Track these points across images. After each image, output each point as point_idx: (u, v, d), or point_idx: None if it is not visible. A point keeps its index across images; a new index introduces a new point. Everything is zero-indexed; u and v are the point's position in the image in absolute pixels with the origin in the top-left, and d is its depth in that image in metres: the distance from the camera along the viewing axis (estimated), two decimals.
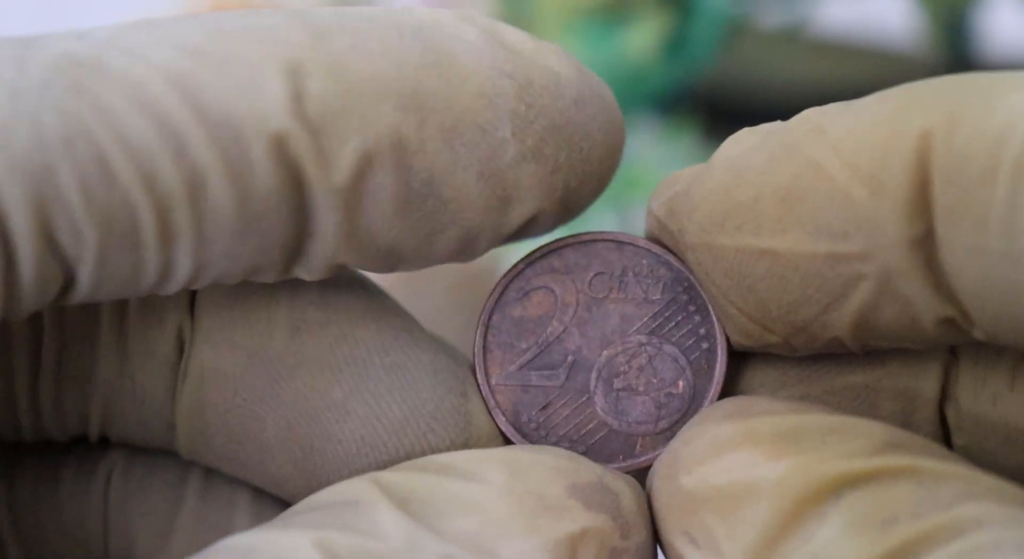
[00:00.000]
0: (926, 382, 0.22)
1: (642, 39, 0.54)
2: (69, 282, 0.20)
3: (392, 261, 0.22)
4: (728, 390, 0.23)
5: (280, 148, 0.20)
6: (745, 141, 0.22)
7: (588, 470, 0.21)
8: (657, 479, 0.21)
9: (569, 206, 0.22)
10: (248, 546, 0.19)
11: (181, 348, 0.23)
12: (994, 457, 0.22)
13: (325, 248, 0.21)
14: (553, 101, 0.22)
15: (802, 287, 0.20)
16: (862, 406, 0.23)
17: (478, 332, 0.23)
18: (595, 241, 0.24)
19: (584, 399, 0.23)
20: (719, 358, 0.23)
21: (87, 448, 0.25)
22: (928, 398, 0.22)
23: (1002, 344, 0.20)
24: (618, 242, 0.23)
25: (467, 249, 0.22)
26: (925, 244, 0.19)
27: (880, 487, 0.19)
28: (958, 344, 0.22)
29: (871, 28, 0.61)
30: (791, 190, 0.20)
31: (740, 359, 0.23)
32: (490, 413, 0.23)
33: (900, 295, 0.20)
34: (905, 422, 0.22)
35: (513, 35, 0.22)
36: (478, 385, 0.23)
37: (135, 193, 0.19)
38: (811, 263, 0.20)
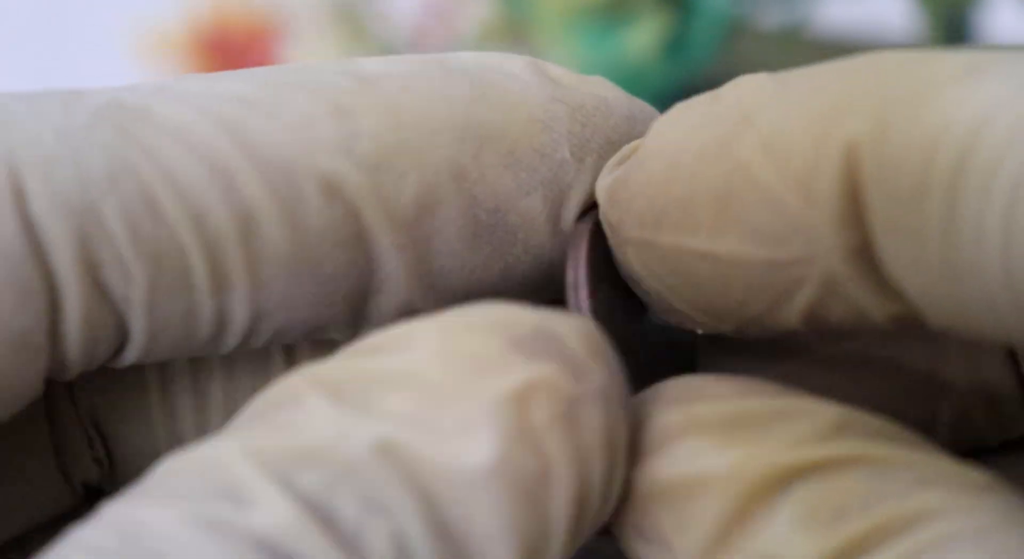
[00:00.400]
0: None
1: (642, 39, 0.54)
2: (122, 333, 0.20)
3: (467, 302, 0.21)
4: (781, 340, 0.22)
5: (333, 188, 0.20)
6: (679, 122, 0.21)
7: (526, 319, 0.19)
8: None
9: None
10: (176, 469, 0.18)
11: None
12: None
13: (397, 294, 0.21)
14: (605, 120, 0.22)
15: (746, 289, 0.20)
16: (929, 341, 0.22)
17: None
18: None
19: None
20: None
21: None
22: None
23: (960, 336, 0.19)
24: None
25: (543, 280, 0.22)
26: (864, 253, 0.19)
27: (830, 477, 0.18)
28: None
29: (871, 28, 0.61)
30: (723, 192, 0.20)
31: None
32: None
33: (846, 296, 0.19)
34: (972, 351, 0.22)
35: (556, 70, 0.22)
36: None
37: (183, 231, 0.19)
38: (752, 267, 0.20)
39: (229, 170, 0.20)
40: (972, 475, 0.18)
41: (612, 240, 0.22)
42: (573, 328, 0.19)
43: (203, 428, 0.23)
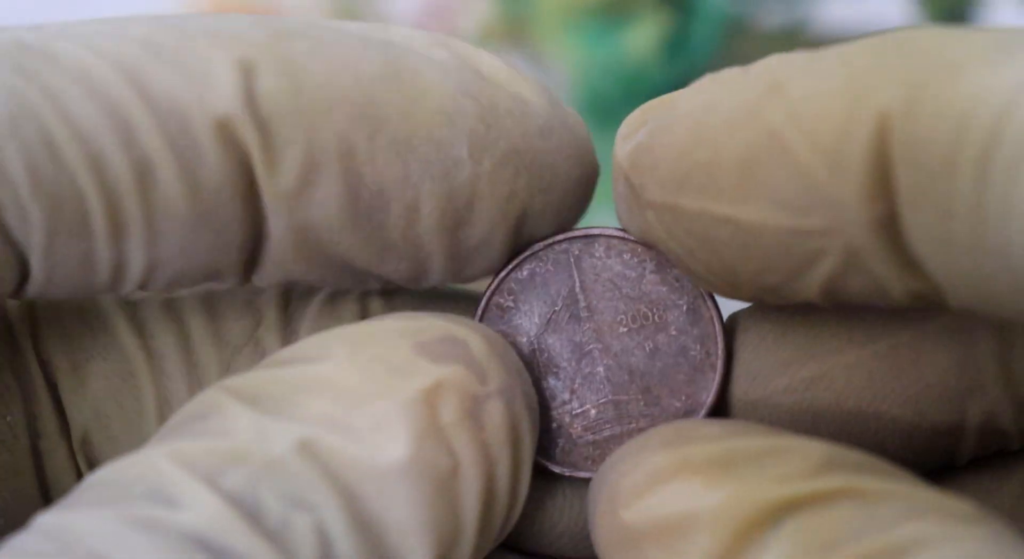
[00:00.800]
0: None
1: (642, 39, 0.54)
2: (23, 272, 0.20)
3: (346, 277, 0.22)
4: (804, 343, 0.22)
5: (227, 138, 0.20)
6: (706, 90, 0.21)
7: (431, 326, 0.20)
8: (597, 515, 0.21)
9: (523, 235, 0.22)
10: (103, 479, 0.18)
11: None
12: None
13: (276, 253, 0.21)
14: (516, 126, 0.21)
15: (766, 257, 0.20)
16: (959, 345, 0.22)
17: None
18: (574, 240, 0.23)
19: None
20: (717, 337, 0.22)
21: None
22: (1022, 329, 0.21)
23: (979, 316, 0.19)
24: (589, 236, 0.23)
25: (421, 271, 0.22)
26: (889, 226, 0.18)
27: (820, 511, 0.18)
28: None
29: (871, 28, 0.61)
30: (749, 158, 0.19)
31: (813, 314, 0.22)
32: None
33: (866, 269, 0.19)
34: (1003, 355, 0.22)
35: (489, 62, 0.22)
36: None
37: (83, 176, 0.19)
38: (774, 235, 0.19)
39: (128, 116, 0.19)
40: (959, 506, 0.18)
41: (633, 203, 0.22)
42: (476, 333, 0.21)
43: None
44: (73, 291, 0.21)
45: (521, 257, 0.23)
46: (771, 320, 0.23)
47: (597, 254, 0.23)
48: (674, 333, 0.23)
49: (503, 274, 0.23)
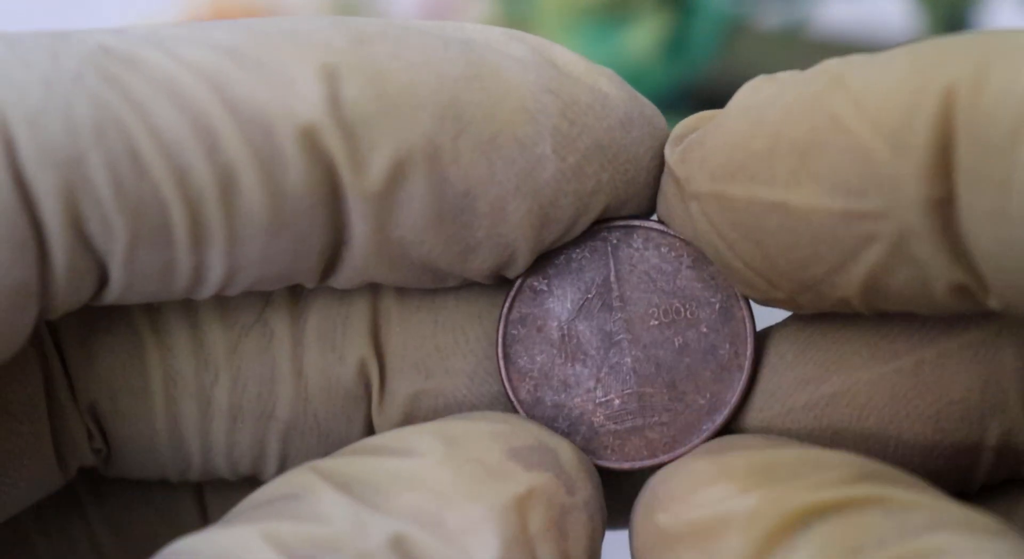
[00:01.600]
0: None
1: (642, 39, 0.54)
2: (102, 279, 0.20)
3: (427, 278, 0.22)
4: (829, 358, 0.22)
5: (312, 146, 0.20)
6: (762, 89, 0.21)
7: (524, 431, 0.21)
8: (636, 518, 0.21)
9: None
10: (192, 548, 0.19)
11: (366, 383, 0.23)
12: None
13: (357, 258, 0.21)
14: (598, 121, 0.21)
15: (813, 244, 0.20)
16: (983, 363, 0.22)
17: (499, 332, 0.23)
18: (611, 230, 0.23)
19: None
20: (748, 334, 0.22)
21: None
22: None
23: (1017, 313, 0.19)
24: (630, 226, 0.23)
25: (504, 267, 0.22)
26: (945, 207, 0.19)
27: (848, 517, 0.19)
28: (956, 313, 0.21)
29: (871, 28, 0.61)
30: (809, 143, 0.20)
31: (841, 329, 0.23)
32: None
33: (914, 258, 0.19)
34: None
35: (564, 56, 0.22)
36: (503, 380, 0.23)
37: (166, 187, 0.19)
38: (824, 219, 0.20)
39: (212, 126, 0.19)
40: (983, 520, 0.19)
41: (675, 198, 0.22)
42: (565, 445, 0.21)
43: (206, 428, 0.23)
44: (151, 297, 0.21)
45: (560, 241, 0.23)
46: (791, 339, 0.23)
47: (635, 245, 0.23)
48: (704, 330, 0.23)
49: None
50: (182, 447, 0.23)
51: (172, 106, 0.19)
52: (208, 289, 0.21)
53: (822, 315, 0.23)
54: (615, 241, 0.23)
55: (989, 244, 0.18)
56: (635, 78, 0.54)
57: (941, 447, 0.22)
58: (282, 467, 0.23)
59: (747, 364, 0.22)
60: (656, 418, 0.23)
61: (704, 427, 0.22)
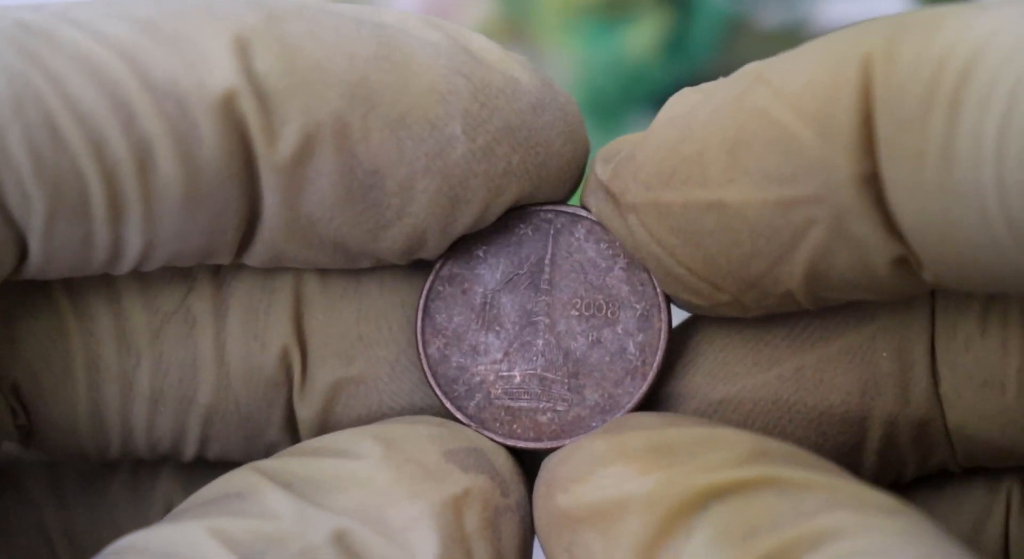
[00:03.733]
0: (916, 334, 0.22)
1: (642, 38, 0.54)
2: (22, 252, 0.20)
3: (339, 256, 0.22)
4: (715, 367, 0.23)
5: (227, 117, 0.20)
6: (687, 99, 0.21)
7: (460, 435, 0.22)
8: (537, 498, 0.21)
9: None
10: (141, 545, 0.19)
11: (287, 369, 0.23)
12: (974, 403, 0.22)
13: (269, 233, 0.21)
14: (509, 104, 0.21)
15: (752, 238, 0.20)
16: (861, 367, 0.22)
17: (418, 312, 0.23)
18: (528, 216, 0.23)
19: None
20: (662, 331, 0.23)
21: (136, 477, 0.25)
22: (921, 350, 0.22)
23: (947, 287, 0.20)
24: (556, 212, 0.23)
25: (415, 248, 0.22)
26: (875, 182, 0.19)
27: (744, 499, 0.19)
28: (905, 297, 0.22)
29: None
30: (737, 139, 0.20)
31: (726, 337, 0.23)
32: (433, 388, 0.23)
33: (852, 237, 0.19)
34: (903, 377, 0.22)
35: (479, 43, 0.22)
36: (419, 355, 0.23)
37: (84, 160, 0.19)
38: (761, 211, 0.20)
39: (128, 100, 0.20)
40: (879, 498, 0.19)
41: (612, 213, 0.22)
42: (497, 449, 0.22)
43: (127, 411, 0.23)
44: (70, 271, 0.21)
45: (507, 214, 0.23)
46: (680, 349, 0.23)
47: (577, 234, 0.23)
48: (620, 332, 0.23)
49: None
50: (103, 428, 0.23)
51: (89, 81, 0.19)
52: (126, 263, 0.21)
53: (708, 323, 0.23)
54: (559, 226, 0.23)
55: (912, 217, 0.19)
56: (635, 77, 0.54)
57: (824, 450, 0.23)
58: (201, 449, 0.24)
59: (651, 374, 0.23)
60: (550, 404, 0.23)
61: (593, 424, 0.23)
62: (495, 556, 0.20)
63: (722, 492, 0.19)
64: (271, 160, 0.20)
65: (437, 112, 0.21)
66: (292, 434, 0.24)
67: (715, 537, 0.18)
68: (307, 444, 0.21)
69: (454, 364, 0.23)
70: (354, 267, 0.23)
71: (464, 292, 0.23)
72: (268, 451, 0.23)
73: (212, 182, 0.20)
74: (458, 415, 0.23)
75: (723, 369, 0.23)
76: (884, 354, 0.22)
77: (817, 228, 0.19)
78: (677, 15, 0.55)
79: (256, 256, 0.22)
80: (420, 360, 0.23)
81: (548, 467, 0.21)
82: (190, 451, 0.24)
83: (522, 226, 0.23)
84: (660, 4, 0.55)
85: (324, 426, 0.23)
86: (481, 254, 0.23)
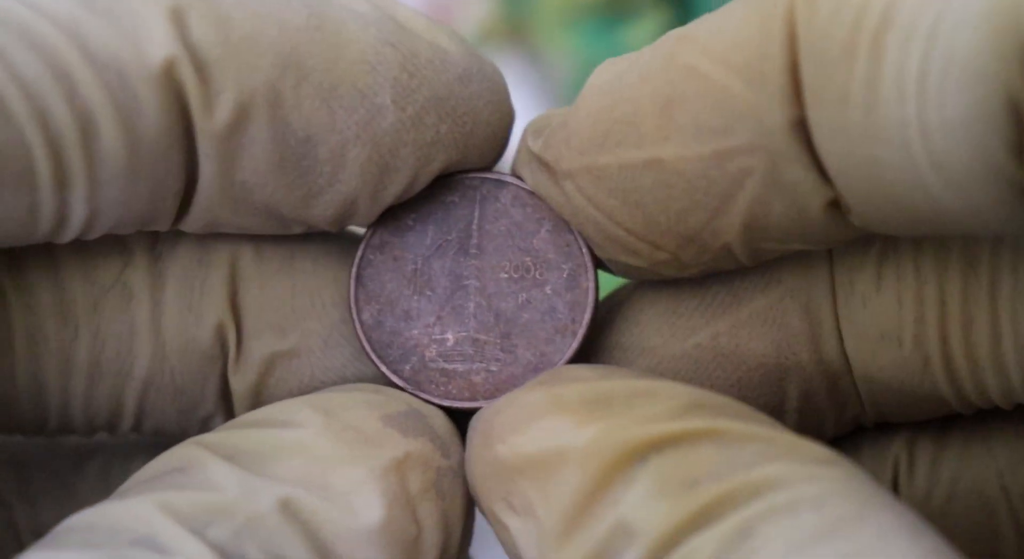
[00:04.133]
0: (821, 292, 0.23)
1: (642, 37, 0.54)
2: None
3: (271, 223, 0.22)
4: (634, 340, 0.23)
5: (166, 89, 0.20)
6: (611, 68, 0.22)
7: (398, 400, 0.22)
8: (473, 448, 0.21)
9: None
10: (87, 523, 0.19)
11: (222, 343, 0.23)
12: (874, 357, 0.23)
13: (205, 199, 0.21)
14: (437, 74, 0.22)
15: (689, 193, 0.20)
16: (774, 328, 0.23)
17: (351, 276, 0.23)
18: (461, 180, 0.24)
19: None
20: (590, 291, 0.23)
21: (107, 475, 0.25)
22: (826, 308, 0.23)
23: (874, 229, 0.20)
24: (483, 178, 0.24)
25: (346, 215, 0.22)
26: (803, 127, 0.19)
27: (683, 450, 0.19)
28: (837, 244, 0.22)
29: None
30: (669, 97, 0.20)
31: (640, 312, 0.23)
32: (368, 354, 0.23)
33: (786, 183, 0.20)
34: (813, 334, 0.23)
35: (406, 13, 0.22)
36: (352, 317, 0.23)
37: (29, 131, 0.20)
38: (697, 165, 0.20)
39: (70, 72, 0.20)
40: (815, 449, 0.19)
41: (548, 181, 0.23)
42: (435, 411, 0.22)
43: (65, 384, 0.23)
44: (15, 240, 0.21)
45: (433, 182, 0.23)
46: (602, 326, 0.24)
47: (503, 199, 0.23)
48: (548, 292, 0.23)
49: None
50: (41, 401, 0.23)
51: (31, 52, 0.20)
52: (71, 231, 0.21)
53: (623, 299, 0.24)
54: (484, 193, 0.23)
55: (838, 160, 0.19)
56: None
57: None
58: (137, 422, 0.24)
59: (581, 331, 0.23)
60: (484, 364, 0.23)
61: (526, 382, 0.23)
62: (440, 517, 0.21)
63: (661, 444, 0.19)
64: (207, 128, 0.21)
65: (367, 81, 0.21)
66: (226, 407, 0.24)
67: (655, 488, 0.19)
68: (247, 416, 0.22)
69: (388, 329, 0.23)
70: (287, 232, 0.23)
71: (395, 259, 0.23)
72: (203, 425, 0.24)
73: (153, 150, 0.20)
74: (394, 379, 0.23)
75: (641, 343, 0.23)
76: (795, 315, 0.23)
77: (753, 177, 0.20)
78: (677, 14, 0.55)
79: (192, 222, 0.22)
80: (354, 326, 0.23)
81: (483, 418, 0.21)
82: (126, 424, 0.24)
83: (449, 194, 0.23)
84: (660, 4, 0.55)
85: (258, 399, 0.24)
86: (411, 222, 0.23)
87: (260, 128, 0.21)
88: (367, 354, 0.23)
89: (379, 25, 0.22)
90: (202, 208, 0.22)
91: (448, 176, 0.23)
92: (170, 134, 0.20)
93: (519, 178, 0.23)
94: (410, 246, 0.23)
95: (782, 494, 0.18)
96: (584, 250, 0.23)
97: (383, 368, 0.23)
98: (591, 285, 0.23)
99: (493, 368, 0.23)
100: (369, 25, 0.22)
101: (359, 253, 0.23)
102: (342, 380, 0.23)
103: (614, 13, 0.55)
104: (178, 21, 0.20)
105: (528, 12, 0.56)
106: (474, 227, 0.23)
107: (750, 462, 0.18)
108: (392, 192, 0.22)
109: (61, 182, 0.20)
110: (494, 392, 0.23)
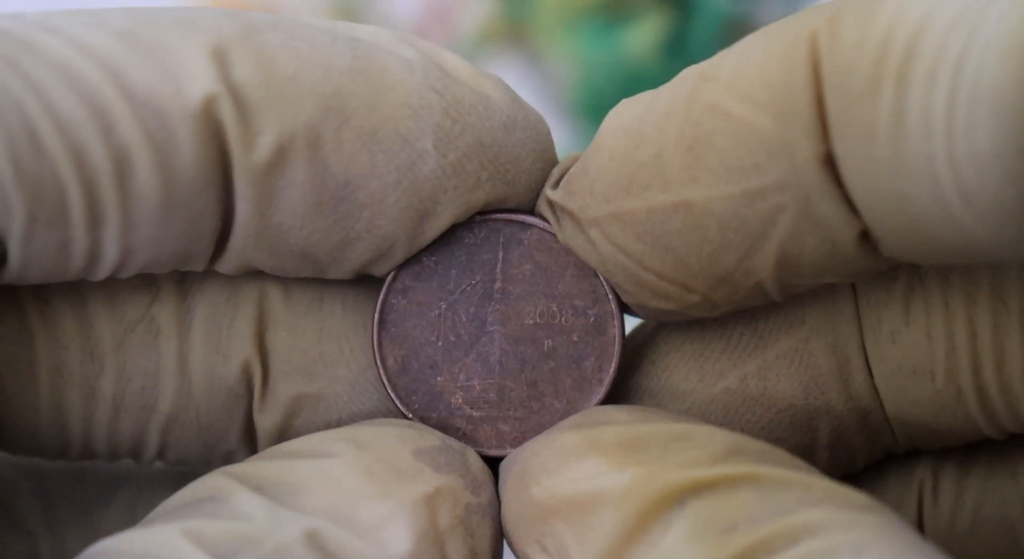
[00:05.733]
0: (847, 330, 0.23)
1: (642, 38, 0.54)
2: (1, 258, 0.20)
3: (306, 266, 0.22)
4: (662, 386, 0.23)
5: (205, 128, 0.20)
6: (629, 109, 0.22)
7: (430, 435, 0.22)
8: (507, 490, 0.21)
9: None
10: (114, 550, 0.19)
11: (248, 382, 0.23)
12: (906, 391, 0.22)
13: (240, 239, 0.21)
14: (480, 121, 0.22)
15: (721, 233, 0.20)
16: (801, 369, 0.23)
17: (374, 319, 0.23)
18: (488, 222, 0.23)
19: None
20: (616, 337, 0.23)
21: (133, 510, 0.25)
22: (854, 345, 0.23)
23: (904, 260, 0.20)
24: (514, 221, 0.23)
25: (382, 260, 0.22)
26: (832, 161, 0.19)
27: (721, 495, 0.19)
28: (868, 275, 0.22)
29: None
30: (694, 137, 0.20)
31: (667, 357, 0.23)
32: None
33: (819, 218, 0.19)
34: (841, 373, 0.23)
35: (453, 61, 0.22)
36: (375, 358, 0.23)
37: (63, 167, 0.20)
38: (727, 206, 0.20)
39: (107, 109, 0.20)
40: (853, 495, 0.19)
41: (573, 229, 0.22)
42: (466, 448, 0.22)
43: (89, 416, 0.23)
44: (48, 277, 0.21)
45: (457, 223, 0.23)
46: (631, 363, 0.24)
47: (527, 242, 0.23)
48: (575, 339, 0.23)
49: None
50: (63, 433, 0.23)
51: (68, 89, 0.20)
52: (103, 270, 0.21)
53: (650, 345, 0.24)
54: (508, 235, 0.23)
55: (866, 194, 0.19)
56: (635, 78, 0.54)
57: None
58: (160, 455, 0.24)
59: (608, 380, 0.23)
60: (512, 412, 0.23)
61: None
62: (469, 553, 0.21)
63: (699, 488, 0.19)
64: (246, 168, 0.20)
65: (409, 126, 0.21)
66: (250, 444, 0.24)
67: (692, 532, 0.18)
68: (277, 448, 0.22)
69: (413, 375, 0.23)
70: (322, 276, 0.23)
71: (419, 304, 0.23)
72: (226, 459, 0.24)
73: (189, 190, 0.20)
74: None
75: (670, 390, 0.23)
76: (821, 353, 0.23)
77: (785, 214, 0.20)
78: (677, 15, 0.55)
79: (227, 263, 0.22)
80: (379, 373, 0.23)
81: (518, 460, 0.21)
82: (149, 455, 0.24)
83: (471, 235, 0.23)
84: (660, 4, 0.55)
85: (284, 437, 0.23)
86: (432, 265, 0.23)
87: (299, 170, 0.21)
88: (393, 401, 0.23)
89: (424, 71, 0.22)
90: (237, 249, 0.21)
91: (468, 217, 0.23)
92: (207, 174, 0.20)
93: (542, 218, 0.23)
94: (433, 290, 0.23)
95: (821, 541, 0.18)
96: (611, 296, 0.23)
97: (409, 415, 0.23)
98: (617, 333, 0.23)
99: (520, 415, 0.23)
100: (414, 70, 0.21)
101: (381, 297, 0.23)
102: None
103: (614, 14, 0.55)
104: (220, 60, 0.20)
105: (528, 13, 0.56)
106: (498, 271, 0.23)
107: (788, 508, 0.18)
108: (428, 237, 0.22)
109: (94, 220, 0.20)
110: (522, 439, 0.23)
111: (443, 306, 0.23)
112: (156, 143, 0.20)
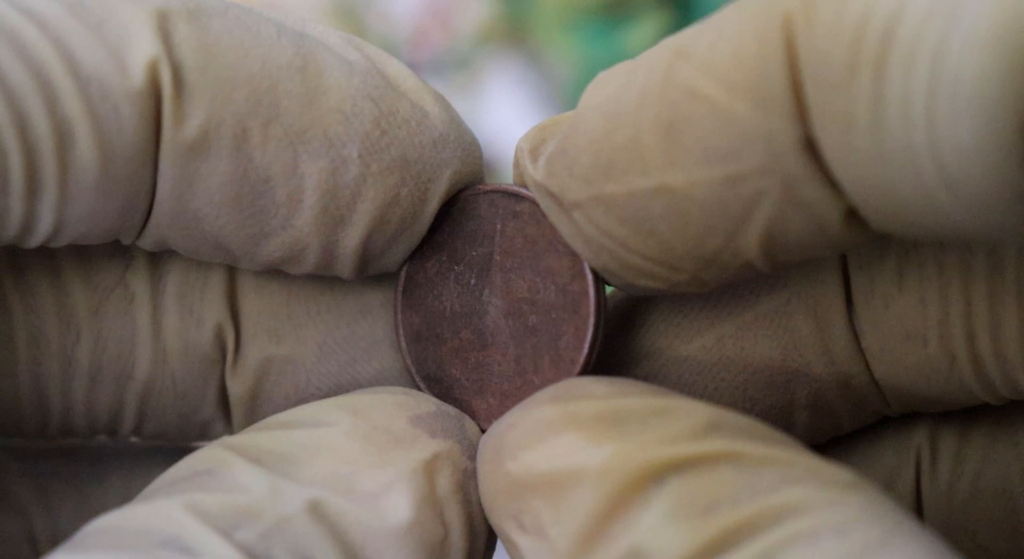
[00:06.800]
0: (830, 294, 0.22)
1: (642, 38, 0.54)
2: None
3: (219, 254, 0.22)
4: (639, 343, 0.23)
5: (146, 105, 0.20)
6: (608, 83, 0.21)
7: (426, 401, 0.22)
8: (483, 463, 0.21)
9: (398, 241, 0.22)
10: (113, 526, 0.19)
11: (221, 346, 0.23)
12: (898, 356, 0.22)
13: (157, 216, 0.21)
14: (411, 136, 0.22)
15: (704, 217, 0.20)
16: (779, 331, 0.23)
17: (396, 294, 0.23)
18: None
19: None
20: (591, 307, 0.23)
21: (128, 488, 0.25)
22: (836, 310, 0.22)
23: (894, 235, 0.19)
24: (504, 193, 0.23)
25: (294, 260, 0.22)
26: (814, 145, 0.19)
27: (701, 473, 0.19)
28: (858, 246, 0.22)
29: None
30: (670, 120, 0.20)
31: (645, 314, 0.23)
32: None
33: (803, 201, 0.19)
34: (822, 336, 0.22)
35: (397, 70, 0.22)
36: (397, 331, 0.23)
37: (7, 134, 0.20)
38: (708, 190, 0.19)
39: (53, 81, 0.20)
40: (837, 472, 0.19)
41: (556, 210, 0.22)
42: (461, 414, 0.22)
43: (67, 386, 0.23)
44: None
45: (459, 196, 0.23)
46: (609, 324, 0.23)
47: (522, 215, 0.23)
48: (554, 317, 0.23)
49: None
50: (42, 403, 0.23)
51: (16, 57, 0.20)
52: (36, 239, 0.21)
53: (627, 302, 0.23)
54: (506, 206, 0.23)
55: (848, 179, 0.18)
56: None
57: (754, 413, 0.23)
58: (138, 425, 0.24)
59: (581, 359, 0.22)
60: (498, 385, 0.23)
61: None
62: (466, 519, 0.21)
63: (679, 466, 0.19)
64: (171, 147, 0.21)
65: (338, 131, 0.21)
66: (225, 411, 0.24)
67: (672, 512, 0.18)
68: (273, 418, 0.21)
69: (423, 344, 0.23)
70: (235, 265, 0.23)
71: (434, 274, 0.23)
72: (202, 430, 0.24)
73: (127, 168, 0.20)
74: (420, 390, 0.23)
75: (645, 346, 0.23)
76: (800, 317, 0.22)
77: (768, 198, 0.19)
78: (677, 15, 0.55)
79: (145, 240, 0.22)
80: (398, 342, 0.23)
81: (495, 432, 0.21)
82: (127, 427, 0.24)
83: (475, 206, 0.23)
84: (660, 4, 0.55)
85: (254, 403, 0.23)
86: (445, 235, 0.23)
87: (221, 160, 0.21)
88: (409, 370, 0.23)
89: (364, 77, 0.21)
90: (153, 227, 0.21)
91: (468, 190, 0.23)
92: (145, 152, 0.20)
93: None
94: (444, 261, 0.23)
95: (804, 520, 0.18)
96: (589, 276, 0.22)
97: (422, 387, 0.23)
98: (592, 310, 0.22)
99: (505, 389, 0.23)
100: (354, 75, 0.21)
101: (404, 268, 0.23)
102: (336, 387, 0.23)
103: (614, 14, 0.55)
104: (165, 34, 0.20)
105: (528, 13, 0.56)
106: (496, 242, 0.23)
107: (770, 486, 0.18)
108: (348, 245, 0.22)
109: (32, 190, 0.20)
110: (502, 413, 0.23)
111: (451, 276, 0.23)
112: (98, 118, 0.20)
